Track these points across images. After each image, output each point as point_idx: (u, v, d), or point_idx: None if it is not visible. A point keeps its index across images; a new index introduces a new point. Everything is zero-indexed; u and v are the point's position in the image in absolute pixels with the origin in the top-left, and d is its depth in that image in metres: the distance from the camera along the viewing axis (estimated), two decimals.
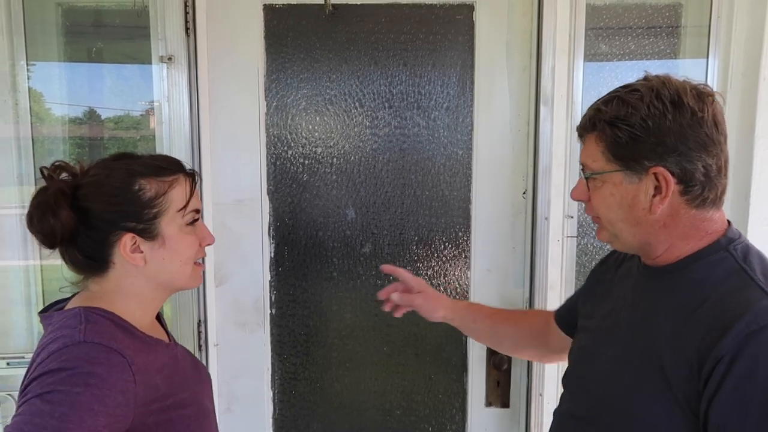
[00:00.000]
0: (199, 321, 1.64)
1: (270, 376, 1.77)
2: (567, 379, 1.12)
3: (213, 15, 1.60)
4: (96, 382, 0.81)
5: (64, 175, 0.95)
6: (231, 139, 1.67)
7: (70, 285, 1.00)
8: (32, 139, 1.68)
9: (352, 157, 1.71)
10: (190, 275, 1.02)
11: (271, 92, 1.68)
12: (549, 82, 1.57)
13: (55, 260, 1.68)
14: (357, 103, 1.69)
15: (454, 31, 1.67)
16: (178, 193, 0.97)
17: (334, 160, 1.71)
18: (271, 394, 1.78)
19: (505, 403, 1.76)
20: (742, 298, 0.82)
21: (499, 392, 1.76)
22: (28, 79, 1.68)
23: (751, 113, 1.60)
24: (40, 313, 0.98)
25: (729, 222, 0.95)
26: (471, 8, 1.65)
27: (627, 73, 1.71)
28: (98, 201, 0.92)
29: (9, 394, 1.66)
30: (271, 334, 1.76)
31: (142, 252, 0.95)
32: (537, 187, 1.64)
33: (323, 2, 1.59)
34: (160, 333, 1.04)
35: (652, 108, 0.86)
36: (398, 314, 1.38)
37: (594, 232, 1.75)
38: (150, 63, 1.60)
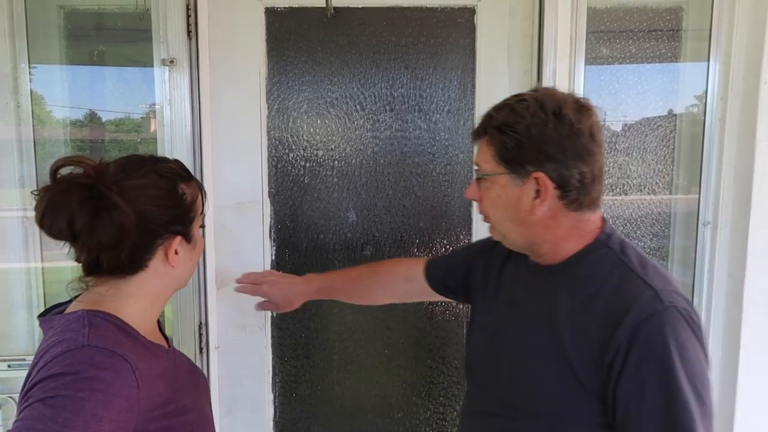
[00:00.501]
0: (200, 323, 1.64)
1: (271, 379, 1.77)
2: (474, 378, 1.17)
3: (214, 18, 1.61)
4: (101, 387, 0.79)
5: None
6: (232, 142, 1.67)
7: (76, 286, 0.97)
8: (34, 142, 1.68)
9: (354, 160, 1.71)
10: (192, 274, 1.04)
11: (273, 95, 1.68)
12: (550, 85, 1.57)
13: (55, 263, 1.70)
14: (358, 106, 1.69)
15: (456, 35, 1.68)
16: (199, 197, 1.00)
17: (336, 163, 1.71)
18: (272, 397, 1.78)
19: None
20: (628, 291, 0.92)
21: None
22: (29, 81, 1.68)
23: (752, 116, 1.61)
24: (40, 316, 0.96)
25: (603, 219, 1.03)
26: (472, 11, 1.66)
27: (628, 76, 1.72)
28: (152, 204, 0.91)
29: (10, 397, 1.66)
30: (272, 337, 1.76)
31: (178, 254, 0.95)
32: None
33: (324, 5, 1.60)
34: (159, 338, 1.02)
35: (536, 117, 0.93)
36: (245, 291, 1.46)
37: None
38: (152, 66, 1.60)
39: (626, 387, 0.88)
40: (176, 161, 1.01)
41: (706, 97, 1.69)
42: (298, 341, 1.78)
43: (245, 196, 1.70)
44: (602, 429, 0.93)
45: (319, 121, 1.70)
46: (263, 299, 1.46)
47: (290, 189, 1.72)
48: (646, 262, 0.97)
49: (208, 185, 1.62)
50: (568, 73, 1.58)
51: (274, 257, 1.74)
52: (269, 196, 1.71)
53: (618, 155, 1.76)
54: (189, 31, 1.54)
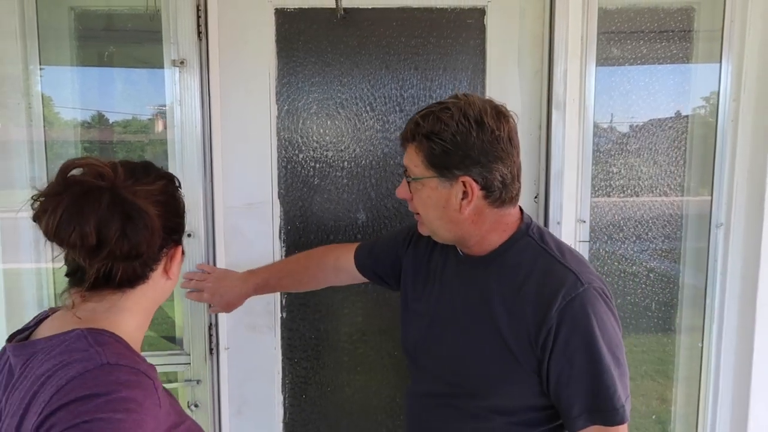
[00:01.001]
0: (210, 324, 1.64)
1: (281, 380, 1.77)
2: (416, 362, 1.25)
3: (225, 19, 1.61)
4: (135, 407, 0.74)
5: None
6: (242, 143, 1.67)
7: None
8: (45, 143, 1.69)
9: (363, 161, 1.71)
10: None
11: (282, 96, 1.68)
12: (561, 86, 1.57)
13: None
14: (368, 107, 1.69)
15: (466, 35, 1.67)
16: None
17: (345, 163, 1.71)
18: (281, 397, 1.78)
19: None
20: (553, 277, 1.03)
21: None
22: (40, 83, 1.69)
23: (766, 118, 1.59)
24: (13, 342, 0.87)
25: (521, 211, 1.14)
26: (482, 12, 1.65)
27: (639, 77, 1.71)
28: (164, 211, 0.87)
29: None
30: (282, 338, 1.76)
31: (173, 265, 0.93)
32: (549, 191, 1.63)
33: (335, 6, 1.59)
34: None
35: (461, 126, 1.01)
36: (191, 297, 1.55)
37: (606, 237, 1.75)
38: (161, 67, 1.60)
39: (558, 359, 1.00)
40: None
41: (718, 98, 1.68)
42: (307, 342, 1.78)
43: (255, 197, 1.70)
44: (537, 396, 1.06)
45: (329, 122, 1.70)
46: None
47: (300, 190, 1.72)
48: (563, 248, 1.10)
49: (218, 186, 1.64)
50: (579, 74, 1.58)
51: (284, 257, 1.73)
52: (279, 197, 1.71)
53: (629, 156, 1.75)
54: (199, 32, 1.54)
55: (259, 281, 1.50)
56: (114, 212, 0.80)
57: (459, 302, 1.14)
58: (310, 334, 1.77)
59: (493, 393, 1.09)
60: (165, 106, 1.63)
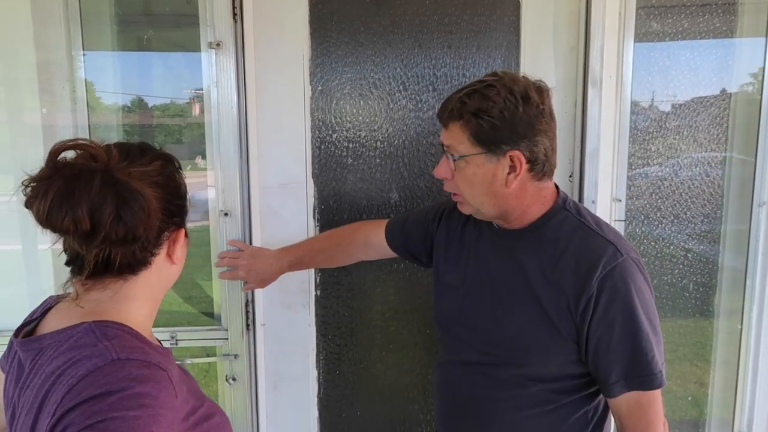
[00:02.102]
0: (247, 301, 1.68)
1: (315, 356, 1.81)
2: (450, 333, 1.28)
3: (259, 1, 1.62)
4: (149, 402, 0.71)
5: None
6: (277, 124, 1.69)
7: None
8: (89, 128, 1.74)
9: (396, 141, 1.72)
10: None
11: (316, 77, 1.70)
12: (597, 62, 1.54)
13: None
14: (401, 86, 1.69)
15: (500, 12, 1.65)
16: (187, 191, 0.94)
17: (378, 143, 1.72)
18: (315, 373, 1.82)
19: None
20: (593, 248, 1.07)
21: None
22: (83, 68, 1.74)
23: None
24: (18, 337, 0.85)
25: (557, 186, 1.17)
26: None
27: (680, 52, 1.66)
28: (163, 192, 0.84)
29: None
30: (316, 315, 1.80)
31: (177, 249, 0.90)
32: (584, 169, 1.61)
33: None
34: (156, 342, 0.94)
35: (508, 102, 1.05)
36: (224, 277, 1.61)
37: (643, 217, 1.72)
38: (199, 50, 1.63)
39: (597, 326, 1.04)
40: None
41: (763, 74, 1.62)
42: (341, 320, 1.81)
43: (289, 177, 1.72)
44: (574, 364, 1.10)
45: (361, 102, 1.71)
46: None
47: (333, 170, 1.74)
48: (600, 221, 1.14)
49: (253, 166, 1.67)
50: (616, 51, 1.54)
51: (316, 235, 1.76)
52: (313, 177, 1.74)
53: (668, 134, 1.71)
54: (234, 14, 1.56)
55: (292, 258, 1.55)
56: (107, 195, 0.76)
57: (496, 273, 1.18)
58: (343, 312, 1.80)
59: (529, 360, 1.13)
60: (202, 89, 1.66)
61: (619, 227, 1.64)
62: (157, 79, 1.88)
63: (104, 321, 0.80)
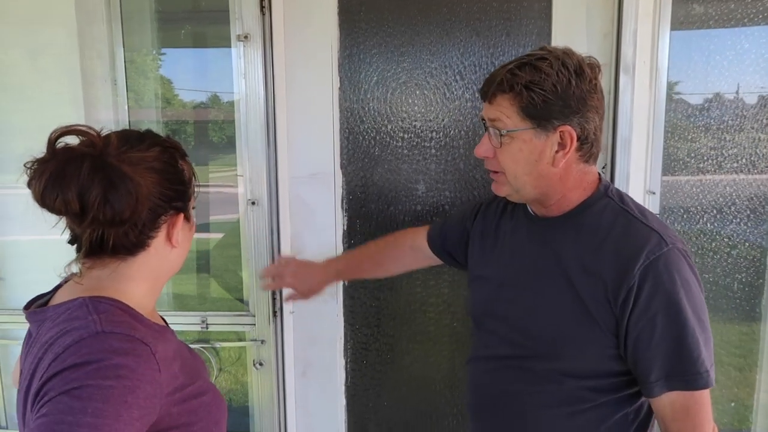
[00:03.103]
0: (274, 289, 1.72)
1: (342, 345, 1.83)
2: (484, 327, 1.22)
3: None
4: (126, 374, 0.75)
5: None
6: (305, 115, 1.71)
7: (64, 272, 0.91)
8: (129, 124, 1.82)
9: (423, 132, 1.70)
10: (185, 258, 1.00)
11: (344, 68, 1.71)
12: (630, 48, 1.47)
13: None
14: (428, 76, 1.68)
15: None
16: (192, 177, 0.96)
17: (405, 134, 1.71)
18: (343, 362, 1.84)
19: None
20: (636, 236, 1.00)
21: None
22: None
23: None
24: (26, 309, 0.91)
25: (599, 173, 1.11)
26: None
27: (724, 39, 1.56)
28: (159, 177, 0.87)
29: None
30: (344, 305, 1.81)
31: (177, 233, 0.92)
32: (615, 159, 1.55)
33: None
34: (160, 321, 0.99)
35: (561, 75, 0.99)
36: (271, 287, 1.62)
37: (683, 210, 1.64)
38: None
39: (638, 319, 0.97)
40: (169, 137, 0.95)
41: None
42: (368, 310, 1.82)
43: (318, 167, 1.75)
44: (612, 359, 1.03)
45: (389, 93, 1.70)
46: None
47: (361, 160, 1.75)
48: (644, 209, 1.07)
49: (282, 156, 1.70)
50: (650, 36, 1.47)
51: (345, 227, 1.78)
52: (341, 167, 1.75)
53: (709, 126, 1.61)
54: (262, 7, 1.60)
55: (340, 267, 1.53)
56: (95, 178, 0.79)
57: (531, 263, 1.12)
58: (370, 303, 1.81)
59: (565, 354, 1.06)
60: (232, 82, 1.70)
61: None
62: (194, 73, 1.95)
63: (99, 296, 0.85)
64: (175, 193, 0.90)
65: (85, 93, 1.72)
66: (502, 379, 1.17)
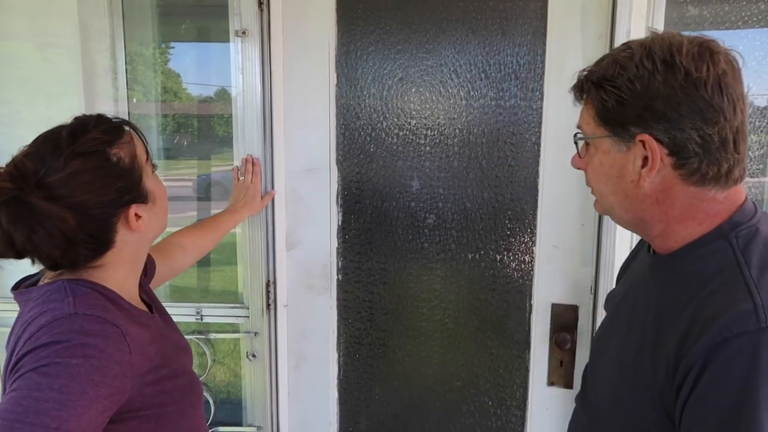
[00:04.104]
0: (268, 281, 1.74)
1: (336, 339, 1.85)
2: (587, 368, 1.10)
3: None
4: (94, 353, 0.78)
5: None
6: (302, 110, 1.73)
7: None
8: (129, 116, 1.85)
9: (418, 130, 1.72)
10: (166, 219, 1.02)
11: (341, 64, 1.72)
12: None
13: None
14: (424, 74, 1.69)
15: None
16: (138, 146, 0.94)
17: (400, 131, 1.73)
18: (336, 355, 1.86)
19: (568, 384, 1.72)
20: (724, 299, 0.75)
21: (563, 372, 1.72)
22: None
23: None
24: (13, 290, 0.94)
25: (745, 201, 0.83)
26: None
27: (718, 41, 1.56)
28: (90, 190, 0.85)
29: None
30: (338, 299, 1.83)
31: (141, 217, 0.93)
32: None
33: None
34: (141, 305, 1.01)
35: (641, 68, 0.78)
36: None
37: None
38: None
39: (691, 414, 0.74)
40: (99, 119, 0.91)
41: None
42: (361, 305, 1.84)
43: (314, 163, 1.77)
44: None
45: (384, 91, 1.72)
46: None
47: (357, 156, 1.76)
48: None
49: (278, 152, 1.72)
50: (644, 36, 1.47)
51: (340, 222, 1.80)
52: (337, 163, 1.77)
53: None
54: (260, 3, 1.62)
55: None
56: (16, 225, 0.81)
57: (629, 308, 0.94)
58: (364, 297, 1.83)
59: (619, 417, 0.88)
60: (231, 77, 1.72)
61: None
62: (199, 68, 1.97)
63: (78, 279, 0.89)
64: (116, 193, 0.89)
65: (86, 85, 1.75)
66: (575, 422, 1.08)
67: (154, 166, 0.98)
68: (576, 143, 0.92)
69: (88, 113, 0.86)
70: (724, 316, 0.72)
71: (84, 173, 0.85)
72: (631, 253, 1.13)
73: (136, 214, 0.92)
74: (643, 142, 0.80)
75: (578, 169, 0.95)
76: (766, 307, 0.71)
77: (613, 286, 1.52)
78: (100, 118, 0.91)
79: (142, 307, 1.00)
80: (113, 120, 0.94)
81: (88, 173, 0.85)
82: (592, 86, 0.84)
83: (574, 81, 0.88)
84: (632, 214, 0.86)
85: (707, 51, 0.77)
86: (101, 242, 0.90)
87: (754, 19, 1.53)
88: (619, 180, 0.84)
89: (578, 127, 0.91)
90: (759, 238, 0.79)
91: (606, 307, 1.10)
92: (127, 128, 0.94)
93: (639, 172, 0.81)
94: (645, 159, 0.80)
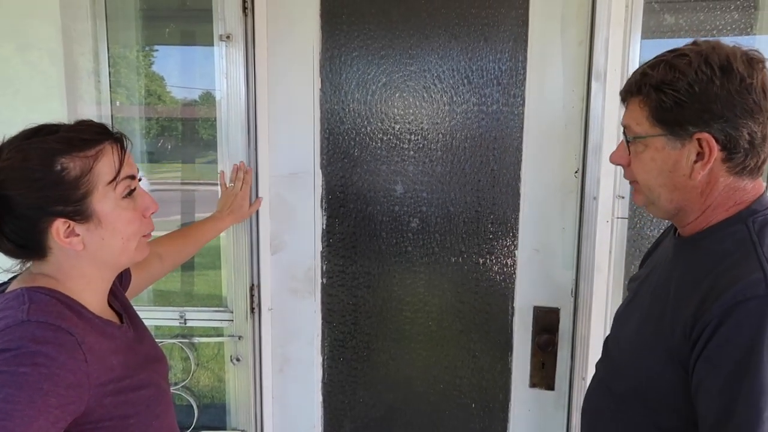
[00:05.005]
0: (252, 285, 1.75)
1: (320, 342, 1.86)
2: (605, 346, 1.18)
3: None
4: (44, 362, 0.76)
5: None
6: (286, 114, 1.74)
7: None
8: (111, 119, 1.84)
9: (402, 134, 1.74)
10: (135, 250, 0.96)
11: (326, 69, 1.73)
12: (602, 55, 1.51)
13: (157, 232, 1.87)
14: (407, 79, 1.71)
15: (508, 4, 1.64)
16: (105, 165, 0.88)
17: (384, 136, 1.74)
18: (320, 359, 1.87)
19: (549, 386, 1.74)
20: (739, 270, 0.85)
21: (544, 374, 1.74)
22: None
23: None
24: None
25: (764, 192, 0.94)
26: None
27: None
28: (18, 188, 0.83)
29: None
30: (322, 302, 1.84)
31: (78, 235, 0.88)
32: (587, 165, 1.59)
33: None
34: (111, 315, 0.99)
35: (700, 73, 0.87)
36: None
37: (651, 214, 1.67)
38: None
39: (703, 366, 0.84)
40: (76, 127, 0.90)
41: None
42: (345, 308, 1.84)
43: (298, 167, 1.77)
44: (689, 402, 0.89)
45: (368, 96, 1.73)
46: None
47: (341, 160, 1.78)
48: None
49: (262, 156, 1.72)
50: (622, 45, 1.51)
51: (324, 226, 1.81)
52: (321, 167, 1.78)
53: None
54: (245, 8, 1.62)
55: None
56: None
57: (652, 287, 1.03)
58: (348, 301, 1.84)
59: (642, 389, 0.97)
60: (212, 81, 1.73)
61: (622, 225, 1.61)
62: (178, 72, 1.97)
63: (37, 287, 0.87)
64: (43, 200, 0.86)
65: (68, 88, 1.74)
66: (591, 398, 1.15)
67: (132, 189, 0.94)
68: (626, 139, 1.00)
69: (70, 116, 0.86)
70: (738, 284, 0.83)
71: (19, 170, 0.84)
72: (655, 242, 1.22)
73: (72, 230, 0.88)
74: (699, 139, 0.89)
75: (617, 164, 1.05)
76: None
77: (593, 290, 1.57)
78: (90, 127, 0.90)
79: (110, 316, 0.97)
80: (114, 133, 0.92)
81: (22, 171, 0.84)
82: (651, 89, 0.92)
83: (630, 81, 0.97)
84: (675, 204, 0.96)
85: (755, 59, 0.89)
86: (28, 242, 0.87)
87: (729, 27, 1.57)
88: (671, 174, 0.94)
89: (626, 126, 0.99)
90: None
91: (629, 286, 1.19)
92: (110, 143, 0.91)
93: (692, 166, 0.91)
94: (699, 154, 0.90)
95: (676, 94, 0.88)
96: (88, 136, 0.88)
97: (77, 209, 0.87)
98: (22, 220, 0.85)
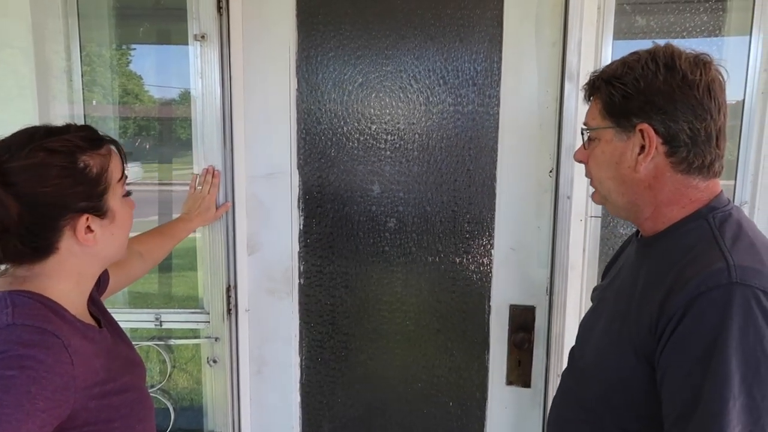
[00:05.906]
0: (229, 286, 1.74)
1: (298, 343, 1.85)
2: (572, 349, 1.18)
3: None
4: (31, 365, 0.76)
5: None
6: (263, 115, 1.73)
7: None
8: (84, 119, 1.82)
9: (378, 134, 1.74)
10: (124, 246, 1.00)
11: (302, 69, 1.73)
12: (575, 56, 1.53)
13: None
14: (383, 80, 1.71)
15: (483, 5, 1.65)
16: (115, 164, 0.93)
17: (360, 136, 1.75)
18: (298, 360, 1.86)
19: (526, 383, 1.76)
20: (702, 262, 0.86)
21: (520, 372, 1.76)
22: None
23: None
24: None
25: (721, 192, 0.97)
26: None
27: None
28: (44, 185, 0.84)
29: None
30: (299, 303, 1.84)
31: (93, 231, 0.91)
32: (560, 164, 1.61)
33: None
34: (90, 319, 0.99)
35: (646, 69, 0.91)
36: None
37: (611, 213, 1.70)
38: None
39: (669, 356, 0.85)
40: (83, 127, 0.92)
41: (747, 71, 1.58)
42: (323, 308, 1.84)
43: (274, 167, 1.77)
44: (657, 401, 0.89)
45: (345, 96, 1.73)
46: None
47: (318, 161, 1.77)
48: (742, 239, 0.89)
49: (238, 156, 1.71)
50: (594, 46, 1.53)
51: (301, 226, 1.80)
52: (298, 167, 1.77)
53: None
54: (219, 7, 1.61)
55: None
56: None
57: (617, 288, 1.05)
58: (325, 301, 1.84)
59: (606, 384, 0.98)
60: (189, 80, 1.72)
61: (595, 224, 1.63)
62: (152, 71, 1.95)
63: (20, 290, 0.87)
64: (71, 197, 0.88)
65: (39, 87, 1.71)
66: (559, 404, 1.16)
67: (128, 193, 0.98)
68: (583, 137, 1.04)
69: (42, 115, 0.86)
70: (701, 274, 0.84)
71: (44, 167, 0.85)
72: (616, 253, 1.24)
73: (88, 226, 0.90)
74: (642, 131, 0.92)
75: (580, 162, 1.07)
76: (737, 266, 0.83)
77: (568, 287, 1.59)
78: (87, 128, 0.92)
79: (90, 321, 0.98)
80: (102, 135, 0.95)
81: (48, 168, 0.85)
82: (603, 83, 0.96)
83: (586, 81, 1.02)
84: (627, 198, 0.98)
85: (701, 60, 0.92)
86: (41, 241, 0.88)
87: (698, 29, 1.61)
88: (617, 166, 0.96)
89: (585, 123, 1.03)
90: (732, 220, 0.93)
91: (592, 296, 1.20)
92: (112, 146, 0.96)
93: (636, 158, 0.94)
94: (642, 147, 0.93)
95: (624, 87, 0.92)
96: (97, 136, 0.92)
97: (98, 205, 0.90)
98: (43, 219, 0.85)
